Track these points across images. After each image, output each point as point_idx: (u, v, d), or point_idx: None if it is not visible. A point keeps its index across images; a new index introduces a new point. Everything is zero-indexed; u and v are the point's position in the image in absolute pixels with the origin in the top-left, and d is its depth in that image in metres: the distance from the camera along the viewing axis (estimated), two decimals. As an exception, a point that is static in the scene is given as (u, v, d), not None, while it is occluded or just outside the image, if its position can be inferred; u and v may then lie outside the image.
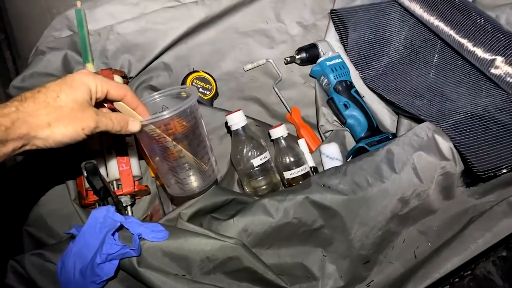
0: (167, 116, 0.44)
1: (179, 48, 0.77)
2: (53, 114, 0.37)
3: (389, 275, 0.54)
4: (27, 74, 0.66)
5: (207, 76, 0.73)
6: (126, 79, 0.71)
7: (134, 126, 0.44)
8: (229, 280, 0.47)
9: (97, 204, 0.58)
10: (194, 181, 0.51)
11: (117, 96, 0.43)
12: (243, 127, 0.62)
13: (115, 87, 0.43)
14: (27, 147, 0.37)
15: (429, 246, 0.55)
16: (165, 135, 0.46)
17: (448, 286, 0.43)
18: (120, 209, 0.57)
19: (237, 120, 0.62)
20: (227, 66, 0.78)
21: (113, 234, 0.42)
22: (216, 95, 0.73)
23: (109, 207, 0.44)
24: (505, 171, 0.54)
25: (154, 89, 0.73)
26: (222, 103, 0.74)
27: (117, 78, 0.67)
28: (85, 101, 0.39)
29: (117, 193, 0.57)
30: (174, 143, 0.47)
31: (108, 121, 0.41)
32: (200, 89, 0.71)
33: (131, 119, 0.44)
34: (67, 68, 0.69)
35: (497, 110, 0.64)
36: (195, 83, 0.71)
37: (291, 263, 0.52)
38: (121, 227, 0.44)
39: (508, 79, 0.65)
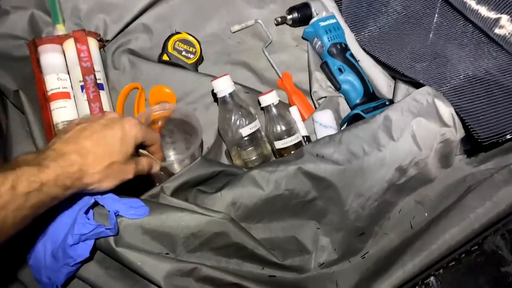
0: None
1: (160, 7, 0.70)
2: (105, 172, 0.39)
3: (385, 247, 0.52)
4: (-11, 37, 0.60)
5: (191, 38, 0.67)
6: (102, 42, 0.65)
7: (155, 169, 0.48)
8: (216, 257, 0.44)
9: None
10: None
11: (148, 144, 0.47)
12: (230, 94, 0.58)
13: (151, 138, 0.46)
14: None
15: (425, 217, 0.53)
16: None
17: (454, 262, 0.40)
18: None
19: (223, 86, 0.57)
20: (213, 27, 0.72)
21: (86, 212, 0.38)
22: (200, 59, 0.68)
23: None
24: (509, 136, 0.52)
25: (133, 53, 0.67)
26: (207, 68, 0.69)
27: (92, 40, 0.61)
28: (131, 154, 0.42)
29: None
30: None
31: (140, 168, 0.44)
32: (183, 53, 0.66)
33: (154, 162, 0.48)
34: (35, 30, 0.63)
35: (501, 72, 0.60)
36: (178, 45, 0.66)
37: (283, 237, 0.50)
38: (96, 204, 0.40)
39: (513, 39, 0.61)
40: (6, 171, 0.31)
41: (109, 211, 0.39)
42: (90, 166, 0.37)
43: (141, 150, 0.47)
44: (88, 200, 0.39)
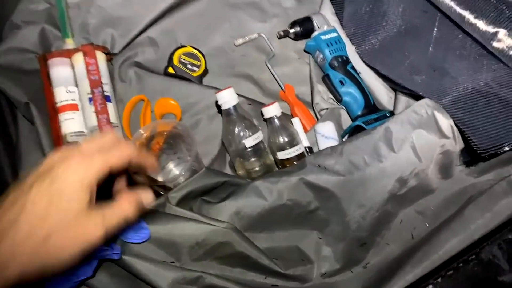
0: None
1: (166, 21, 0.72)
2: (43, 250, 0.27)
3: (386, 257, 0.52)
4: (1, 50, 0.62)
5: (196, 51, 0.69)
6: (110, 55, 0.67)
7: (147, 200, 0.36)
8: (220, 266, 0.45)
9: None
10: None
11: (122, 165, 0.32)
12: (234, 106, 0.59)
13: (116, 160, 0.31)
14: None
15: (426, 227, 0.53)
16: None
17: (452, 271, 0.41)
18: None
19: (227, 99, 0.59)
20: (217, 41, 0.74)
21: None
22: (205, 71, 0.70)
23: None
24: (507, 148, 0.52)
25: (139, 66, 0.69)
26: (211, 81, 0.71)
27: (100, 54, 0.63)
28: (85, 209, 0.29)
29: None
30: None
31: (116, 219, 0.31)
32: (188, 66, 0.68)
33: (143, 194, 0.35)
34: (45, 44, 0.65)
35: (499, 85, 0.61)
36: (183, 59, 0.67)
37: (286, 247, 0.50)
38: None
39: (510, 52, 0.62)
40: None
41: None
42: (8, 254, 0.26)
43: (117, 188, 0.37)
44: None
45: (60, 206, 0.28)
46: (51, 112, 0.58)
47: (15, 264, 0.26)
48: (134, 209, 0.33)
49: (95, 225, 0.29)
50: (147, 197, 0.35)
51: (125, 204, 0.32)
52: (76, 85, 0.61)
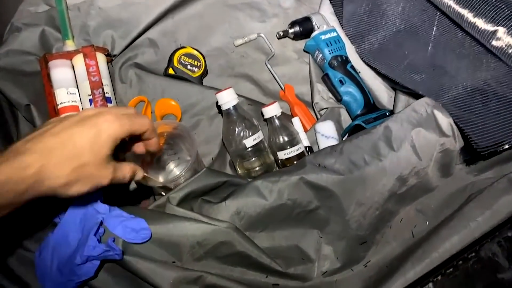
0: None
1: (165, 23, 0.72)
2: (73, 175, 0.34)
3: (387, 255, 0.52)
4: (2, 53, 0.62)
5: (196, 52, 0.69)
6: (110, 56, 0.67)
7: (139, 176, 0.43)
8: (221, 265, 0.45)
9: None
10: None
11: (140, 133, 0.40)
12: (234, 106, 0.59)
13: (139, 126, 0.39)
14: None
15: (427, 225, 0.54)
16: None
17: (452, 269, 0.41)
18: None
19: (227, 99, 0.59)
20: (216, 41, 0.74)
21: (97, 230, 0.39)
22: (205, 72, 0.70)
23: (94, 196, 0.41)
24: (507, 146, 0.53)
25: (139, 67, 0.69)
26: (212, 81, 0.71)
27: (100, 55, 0.63)
28: (108, 157, 0.36)
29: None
30: None
31: (120, 175, 0.39)
32: (188, 66, 0.68)
33: (138, 169, 0.42)
34: (45, 46, 0.65)
35: (498, 83, 0.61)
36: (183, 60, 0.68)
37: (286, 246, 0.51)
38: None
39: (510, 51, 0.62)
40: None
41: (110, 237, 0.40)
42: (53, 167, 0.33)
43: (126, 156, 0.44)
44: (96, 219, 0.40)
45: (95, 147, 0.35)
46: (52, 113, 0.59)
47: (55, 177, 0.33)
48: (131, 176, 0.40)
49: (107, 173, 0.36)
50: (140, 173, 0.43)
51: (128, 169, 0.40)
52: (77, 87, 0.61)
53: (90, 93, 0.59)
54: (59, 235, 0.39)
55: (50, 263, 0.38)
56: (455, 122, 0.55)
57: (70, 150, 0.34)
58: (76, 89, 0.61)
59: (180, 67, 0.68)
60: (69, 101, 0.59)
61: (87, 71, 0.60)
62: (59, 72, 0.60)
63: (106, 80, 0.62)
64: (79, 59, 0.61)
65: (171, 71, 0.67)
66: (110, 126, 0.36)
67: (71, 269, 0.37)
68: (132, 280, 0.42)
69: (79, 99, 0.60)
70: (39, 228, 0.43)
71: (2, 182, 0.30)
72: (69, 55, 0.61)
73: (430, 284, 0.41)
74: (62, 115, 0.39)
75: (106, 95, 0.60)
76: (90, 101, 0.59)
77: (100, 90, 0.59)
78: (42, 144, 0.33)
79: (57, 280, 0.37)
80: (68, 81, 0.60)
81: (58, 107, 0.59)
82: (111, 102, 0.61)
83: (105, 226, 0.40)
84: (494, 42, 0.63)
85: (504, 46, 0.63)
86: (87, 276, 0.38)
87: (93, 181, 0.36)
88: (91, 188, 0.36)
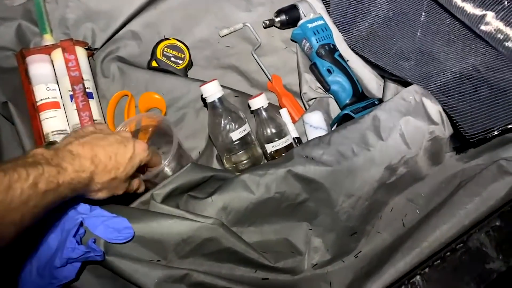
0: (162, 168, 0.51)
1: (148, 14, 0.70)
2: (107, 184, 0.40)
3: (377, 246, 0.52)
4: (-23, 49, 0.60)
5: (179, 44, 0.67)
6: (91, 50, 0.65)
7: (141, 190, 0.49)
8: (208, 262, 0.45)
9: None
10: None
11: (151, 166, 0.50)
12: (219, 99, 0.58)
13: (154, 162, 0.49)
14: None
15: (417, 214, 0.53)
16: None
17: (440, 261, 0.41)
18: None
19: (212, 91, 0.57)
20: (201, 32, 0.72)
21: (76, 231, 0.37)
22: (190, 64, 0.68)
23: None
24: (496, 133, 0.52)
25: (122, 60, 0.67)
26: (197, 73, 0.69)
27: (80, 49, 0.61)
28: (131, 175, 0.44)
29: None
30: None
31: (130, 188, 0.46)
32: (172, 58, 0.66)
33: (142, 184, 0.49)
34: (22, 40, 0.63)
35: (487, 69, 0.61)
36: (166, 51, 0.66)
37: (275, 240, 0.50)
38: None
39: (498, 35, 0.61)
40: (28, 167, 0.32)
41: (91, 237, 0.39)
42: (98, 175, 0.39)
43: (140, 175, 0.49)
44: (75, 220, 0.38)
45: (128, 167, 0.42)
46: (31, 111, 0.57)
47: (96, 183, 0.39)
48: (136, 189, 0.48)
49: (124, 187, 0.44)
50: (142, 187, 0.50)
51: (137, 183, 0.48)
52: (57, 82, 0.59)
53: (70, 88, 0.57)
54: (38, 237, 0.38)
55: (30, 266, 0.37)
56: (444, 110, 0.54)
57: (112, 164, 0.40)
58: (56, 85, 0.59)
59: (164, 59, 0.66)
60: (48, 97, 0.57)
61: (67, 66, 0.58)
62: (38, 67, 0.58)
63: (87, 75, 0.60)
64: (58, 54, 0.59)
65: (154, 63, 0.66)
66: (143, 154, 0.44)
67: (51, 272, 0.36)
68: (116, 280, 0.41)
69: (59, 95, 0.58)
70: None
71: (70, 179, 0.35)
72: (47, 50, 0.59)
73: (418, 277, 0.41)
74: (99, 125, 0.46)
75: (87, 90, 0.58)
76: (71, 96, 0.57)
77: (81, 85, 0.57)
78: (94, 154, 0.39)
79: (37, 283, 0.36)
80: (47, 77, 0.58)
81: (38, 103, 0.57)
82: (92, 98, 0.59)
83: (86, 227, 0.39)
84: (482, 27, 0.63)
85: (492, 30, 0.62)
86: (68, 279, 0.37)
87: (113, 191, 0.43)
88: (109, 195, 0.42)
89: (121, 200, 0.45)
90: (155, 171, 0.50)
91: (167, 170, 0.53)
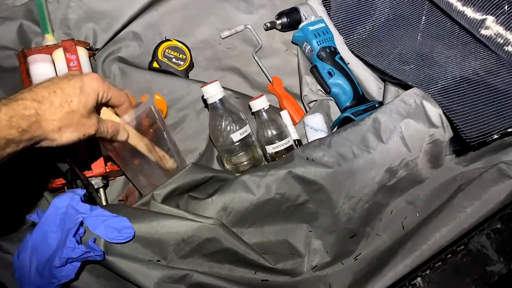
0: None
1: (149, 15, 0.70)
2: (65, 120, 0.38)
3: (377, 248, 0.52)
4: (-21, 48, 0.60)
5: (181, 45, 0.67)
6: (92, 51, 0.65)
7: (122, 136, 0.47)
8: (208, 263, 0.44)
9: (66, 188, 0.54)
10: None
11: (116, 104, 0.46)
12: (220, 100, 0.58)
13: (117, 96, 0.45)
14: (33, 146, 0.38)
15: (417, 217, 0.53)
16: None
17: (440, 263, 0.41)
18: (91, 192, 0.53)
19: (213, 92, 0.57)
20: (202, 33, 0.72)
21: (76, 231, 0.37)
22: (191, 65, 0.68)
23: (73, 196, 0.40)
24: (495, 136, 0.52)
25: (123, 61, 0.67)
26: (198, 74, 0.69)
27: (81, 49, 0.61)
28: (93, 107, 0.41)
29: (87, 175, 0.53)
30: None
31: (104, 129, 0.44)
32: (173, 59, 0.66)
33: (121, 129, 0.47)
34: (24, 40, 0.63)
35: (487, 73, 0.61)
36: (168, 53, 0.66)
37: (275, 241, 0.50)
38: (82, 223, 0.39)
39: (498, 40, 0.62)
40: None
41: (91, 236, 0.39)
42: (47, 111, 0.37)
43: (102, 110, 0.47)
44: (75, 219, 0.38)
45: (82, 97, 0.40)
46: (32, 110, 0.57)
47: (50, 120, 0.37)
48: (113, 132, 0.45)
49: (92, 123, 0.41)
50: (123, 134, 0.47)
51: (110, 125, 0.45)
52: (58, 82, 0.59)
53: (71, 88, 0.57)
54: (38, 236, 0.38)
55: (29, 265, 0.37)
56: (444, 113, 0.55)
57: (60, 97, 0.38)
58: (57, 85, 0.59)
59: (165, 60, 0.66)
60: (49, 97, 0.57)
61: (68, 66, 0.58)
62: (39, 67, 0.58)
63: (88, 75, 0.60)
64: (59, 54, 0.59)
65: (155, 64, 0.66)
66: (94, 82, 0.41)
67: (51, 272, 0.36)
68: (115, 280, 0.41)
69: (60, 95, 0.58)
70: (17, 228, 0.41)
71: (9, 117, 0.34)
72: (48, 50, 0.59)
73: (419, 279, 0.41)
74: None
75: (88, 90, 0.58)
76: (72, 96, 0.57)
77: (82, 85, 0.57)
78: (34, 93, 0.37)
79: (37, 283, 0.36)
80: (49, 77, 0.57)
81: (38, 103, 0.57)
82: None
83: (86, 226, 0.39)
84: (482, 31, 0.63)
85: (493, 35, 0.62)
86: (68, 278, 0.37)
87: (81, 129, 0.40)
88: (80, 136, 0.40)
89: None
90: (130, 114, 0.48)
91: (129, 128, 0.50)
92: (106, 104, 0.46)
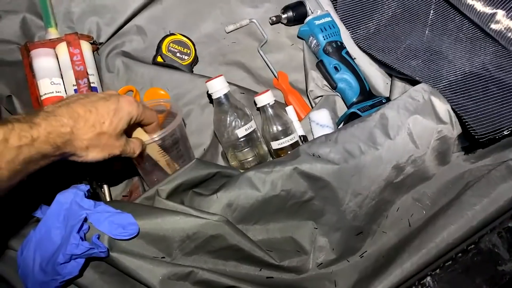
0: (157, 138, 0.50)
1: (153, 8, 0.69)
2: (94, 140, 0.39)
3: (383, 246, 0.51)
4: (-18, 41, 0.59)
5: (185, 39, 0.66)
6: (95, 45, 0.65)
7: (139, 150, 0.48)
8: (213, 259, 0.44)
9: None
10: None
11: (146, 124, 0.47)
12: (225, 95, 0.57)
13: (149, 117, 0.46)
14: (61, 159, 0.38)
15: (423, 214, 0.52)
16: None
17: (451, 262, 0.40)
18: (95, 188, 0.53)
19: (218, 87, 0.57)
20: (207, 28, 0.71)
21: (80, 227, 0.37)
22: (195, 60, 0.67)
23: (77, 192, 0.40)
24: (506, 133, 0.51)
25: (127, 55, 0.66)
26: (202, 69, 0.69)
27: (85, 43, 0.61)
28: (122, 130, 0.42)
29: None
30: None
31: (130, 150, 0.45)
32: (178, 54, 0.65)
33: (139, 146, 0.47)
34: (27, 34, 0.62)
35: (497, 68, 0.60)
36: (172, 47, 0.65)
37: (280, 238, 0.49)
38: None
39: (509, 34, 0.60)
40: None
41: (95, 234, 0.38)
42: (80, 130, 0.38)
43: (136, 130, 0.48)
44: (79, 216, 0.38)
45: (114, 120, 0.41)
46: (35, 104, 0.56)
47: (81, 139, 0.38)
48: (139, 151, 0.47)
49: (119, 144, 0.42)
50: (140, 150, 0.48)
51: (137, 144, 0.46)
52: (61, 76, 0.58)
53: (75, 83, 0.57)
54: (42, 232, 0.37)
55: (33, 261, 0.36)
56: (452, 109, 0.54)
57: (94, 117, 0.39)
58: (60, 79, 0.58)
59: (169, 54, 0.65)
60: (53, 92, 0.57)
61: (71, 60, 0.57)
62: (42, 61, 0.58)
63: (91, 69, 0.59)
64: (62, 48, 0.58)
65: (160, 59, 0.65)
66: (130, 106, 0.42)
67: (54, 268, 0.35)
68: (120, 277, 0.40)
69: (63, 89, 0.58)
70: (22, 224, 0.41)
71: (47, 133, 0.34)
72: (52, 44, 0.59)
73: (429, 278, 0.40)
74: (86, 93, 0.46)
75: (92, 84, 0.58)
76: (75, 91, 0.57)
77: (85, 79, 0.57)
78: (72, 110, 0.38)
79: (40, 279, 0.36)
80: (52, 71, 0.58)
81: (42, 97, 0.56)
82: (97, 92, 0.59)
83: (90, 223, 0.38)
84: (493, 26, 0.62)
85: (503, 29, 0.61)
86: (71, 275, 0.37)
87: (108, 150, 0.41)
88: (105, 156, 0.41)
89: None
90: (159, 133, 0.49)
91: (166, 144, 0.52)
92: (137, 123, 0.46)
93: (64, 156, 0.38)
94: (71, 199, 0.39)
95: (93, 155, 0.40)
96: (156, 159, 0.52)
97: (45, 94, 0.56)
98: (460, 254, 0.41)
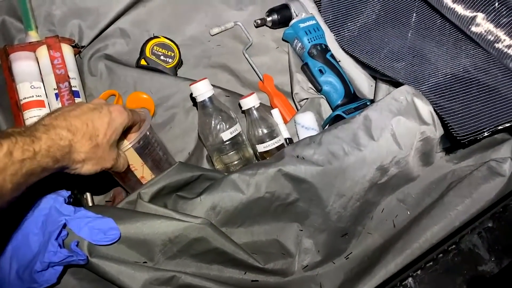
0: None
1: (137, 11, 0.69)
2: (90, 153, 0.40)
3: (368, 247, 0.52)
4: (-41, 45, 0.58)
5: (169, 42, 0.66)
6: (78, 48, 0.64)
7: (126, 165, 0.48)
8: (197, 263, 0.43)
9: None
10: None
11: (133, 126, 0.48)
12: (210, 98, 0.57)
13: (136, 119, 0.47)
14: (57, 171, 0.38)
15: (408, 215, 0.53)
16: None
17: (432, 263, 0.40)
18: (77, 194, 0.52)
19: (202, 90, 0.56)
20: (191, 30, 0.71)
21: (59, 234, 0.36)
22: (179, 63, 0.67)
23: (57, 197, 0.39)
24: (486, 134, 0.52)
25: (110, 58, 0.66)
26: (187, 72, 0.68)
27: (66, 47, 0.60)
28: (115, 142, 0.43)
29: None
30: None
31: (120, 165, 0.45)
32: (162, 57, 0.65)
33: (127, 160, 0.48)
34: (6, 37, 0.61)
35: (478, 70, 0.61)
36: (156, 50, 0.65)
37: (265, 241, 0.49)
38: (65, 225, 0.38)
39: (489, 37, 0.61)
40: (1, 139, 0.32)
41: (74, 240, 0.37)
42: (78, 143, 0.38)
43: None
44: (58, 222, 0.37)
45: (108, 132, 0.41)
46: (14, 109, 0.55)
47: (79, 152, 0.38)
48: (123, 168, 0.46)
49: (111, 158, 0.43)
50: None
51: (124, 161, 0.46)
52: (42, 80, 0.57)
53: (55, 86, 0.56)
54: (19, 238, 0.36)
55: (9, 268, 0.35)
56: (435, 110, 0.54)
57: (90, 131, 0.39)
58: (41, 83, 0.57)
59: (153, 58, 0.65)
60: (33, 96, 0.55)
61: (52, 64, 0.56)
62: (22, 65, 0.56)
63: (73, 73, 0.58)
64: (43, 51, 0.57)
65: (143, 62, 0.64)
66: (121, 116, 0.43)
67: (31, 276, 0.34)
68: (99, 283, 0.39)
69: (44, 93, 0.57)
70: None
71: (47, 147, 0.35)
72: (32, 47, 0.58)
73: (410, 279, 0.40)
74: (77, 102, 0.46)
75: (74, 88, 0.57)
76: (56, 95, 0.56)
77: (67, 83, 0.56)
78: (69, 123, 0.38)
79: (17, 286, 0.35)
80: (32, 75, 0.57)
81: (21, 102, 0.55)
82: (79, 96, 0.58)
83: (69, 229, 0.38)
84: (473, 28, 0.63)
85: (483, 32, 0.62)
86: (49, 283, 0.36)
87: (101, 163, 0.41)
88: (97, 169, 0.41)
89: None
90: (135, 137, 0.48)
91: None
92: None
93: (62, 169, 0.38)
94: (50, 204, 0.38)
95: (88, 168, 0.40)
96: (135, 168, 0.51)
97: (25, 98, 0.55)
98: (441, 255, 0.42)
